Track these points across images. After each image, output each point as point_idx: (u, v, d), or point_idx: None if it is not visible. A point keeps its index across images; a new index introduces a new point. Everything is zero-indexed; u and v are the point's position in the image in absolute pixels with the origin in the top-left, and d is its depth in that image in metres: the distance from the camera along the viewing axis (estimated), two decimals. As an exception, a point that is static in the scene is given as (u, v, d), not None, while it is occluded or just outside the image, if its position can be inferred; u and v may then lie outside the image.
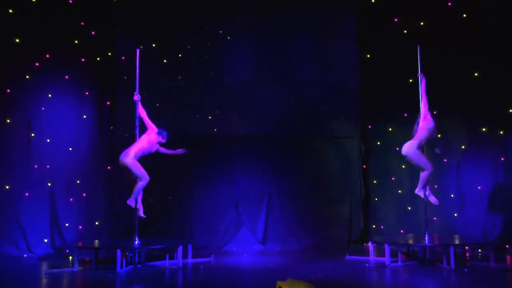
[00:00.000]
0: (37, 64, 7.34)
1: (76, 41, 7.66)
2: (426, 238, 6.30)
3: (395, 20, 8.13)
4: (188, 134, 8.08)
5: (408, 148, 6.32)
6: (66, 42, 7.55)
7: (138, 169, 6.36)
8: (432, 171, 6.37)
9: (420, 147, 6.34)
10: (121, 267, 5.94)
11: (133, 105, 6.55)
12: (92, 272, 6.06)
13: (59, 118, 7.46)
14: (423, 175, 6.39)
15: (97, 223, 7.67)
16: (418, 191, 6.50)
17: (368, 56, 8.41)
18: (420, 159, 6.30)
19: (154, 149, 6.55)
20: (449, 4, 7.66)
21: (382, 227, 8.20)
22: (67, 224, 7.34)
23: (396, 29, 8.08)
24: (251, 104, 8.23)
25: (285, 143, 8.21)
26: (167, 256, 6.39)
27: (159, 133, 6.55)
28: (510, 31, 7.12)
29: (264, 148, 8.16)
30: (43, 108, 7.36)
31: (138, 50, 6.67)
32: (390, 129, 8.22)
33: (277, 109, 8.23)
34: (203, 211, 7.95)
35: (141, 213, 6.50)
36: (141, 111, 6.54)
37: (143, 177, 6.40)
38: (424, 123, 6.40)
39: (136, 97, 6.51)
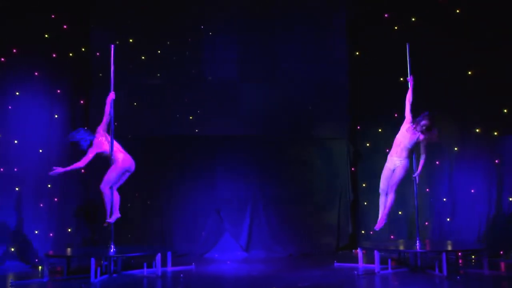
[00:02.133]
0: (2, 59, 7.22)
1: (46, 35, 7.56)
2: (417, 244, 6.35)
3: (386, 16, 8.20)
4: (168, 135, 8.06)
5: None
6: (35, 36, 7.43)
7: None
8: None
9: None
10: (96, 276, 5.86)
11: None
12: (64, 282, 5.98)
13: (28, 117, 7.34)
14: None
15: (69, 230, 7.57)
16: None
17: (358, 53, 8.47)
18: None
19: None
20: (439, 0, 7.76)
21: (371, 232, 8.25)
22: (36, 232, 7.23)
23: (386, 26, 8.14)
24: (234, 103, 8.22)
25: (270, 144, 8.22)
26: (145, 264, 6.33)
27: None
28: (505, 29, 7.22)
29: (248, 149, 8.15)
30: (10, 107, 7.24)
31: (112, 45, 6.61)
32: (379, 130, 8.28)
33: (262, 108, 8.22)
34: (184, 217, 7.92)
35: (110, 219, 6.38)
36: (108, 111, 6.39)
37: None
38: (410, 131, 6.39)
39: (111, 96, 6.42)
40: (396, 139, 6.47)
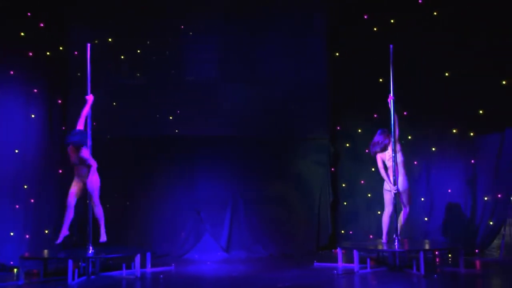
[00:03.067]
0: (-24, 58, 7.11)
1: (22, 34, 7.44)
2: (396, 243, 6.45)
3: (365, 17, 8.29)
4: (147, 135, 8.02)
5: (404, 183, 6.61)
6: (10, 34, 7.28)
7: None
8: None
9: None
10: (73, 278, 5.81)
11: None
12: (40, 285, 5.91)
13: (3, 117, 7.19)
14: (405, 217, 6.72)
15: (46, 231, 7.46)
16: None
17: (338, 54, 8.55)
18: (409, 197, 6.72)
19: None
20: (420, 1, 7.87)
21: (351, 232, 8.34)
22: (12, 234, 7.10)
23: (366, 27, 8.24)
24: (214, 103, 8.22)
25: (251, 145, 8.24)
26: (124, 265, 6.29)
27: None
28: (482, 31, 7.37)
29: (228, 150, 8.16)
30: (-16, 107, 7.12)
31: (89, 44, 6.55)
32: (359, 131, 8.37)
33: (242, 108, 8.24)
34: (163, 217, 7.89)
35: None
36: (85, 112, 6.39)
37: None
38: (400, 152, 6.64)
39: (89, 97, 6.36)
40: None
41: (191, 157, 8.10)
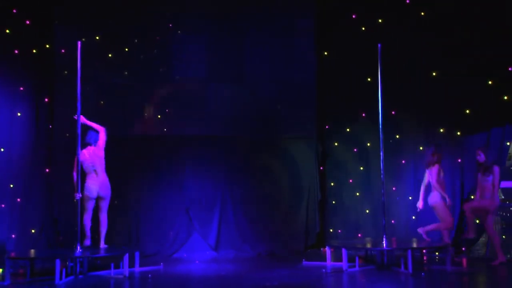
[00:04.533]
0: (-39, 55, 7.04)
1: (7, 31, 7.37)
2: (384, 242, 6.51)
3: (353, 17, 8.34)
4: (135, 134, 7.99)
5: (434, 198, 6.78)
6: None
7: None
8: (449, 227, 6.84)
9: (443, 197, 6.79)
10: (61, 278, 5.77)
11: (74, 102, 6.38)
12: (27, 285, 5.86)
13: (-11, 116, 7.16)
14: (439, 226, 6.82)
15: (33, 231, 7.40)
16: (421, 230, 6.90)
17: (326, 53, 8.59)
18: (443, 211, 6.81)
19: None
20: (407, 1, 7.95)
21: (339, 231, 8.39)
22: (-7, 233, 7.05)
23: (354, 27, 8.29)
24: (203, 103, 8.22)
25: (239, 144, 8.25)
26: (112, 265, 6.25)
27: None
28: (468, 31, 7.46)
29: (216, 149, 8.16)
30: (-31, 105, 7.05)
31: (79, 42, 6.51)
32: (348, 130, 8.42)
33: (230, 108, 8.25)
34: (152, 217, 7.86)
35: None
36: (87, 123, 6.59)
37: None
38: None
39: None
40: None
41: (180, 157, 8.09)
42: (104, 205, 6.71)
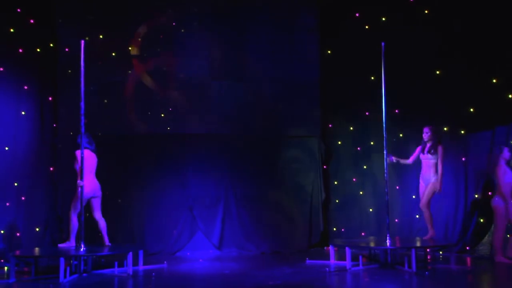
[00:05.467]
0: (-35, 55, 7.07)
1: (11, 30, 7.40)
2: (388, 240, 6.50)
3: (357, 15, 8.33)
4: (139, 132, 8.01)
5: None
6: (-1, 30, 7.28)
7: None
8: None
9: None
10: (65, 276, 5.79)
11: (78, 101, 6.42)
12: (31, 283, 5.88)
13: (-7, 114, 7.19)
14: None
15: (37, 229, 7.43)
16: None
17: (329, 52, 8.58)
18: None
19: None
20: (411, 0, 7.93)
21: (343, 230, 8.39)
22: (2, 231, 7.08)
23: (357, 25, 8.28)
24: (206, 101, 8.23)
25: (242, 143, 8.26)
26: (116, 263, 6.28)
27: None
28: (473, 29, 7.43)
29: (220, 148, 8.17)
30: (-26, 104, 7.08)
31: (83, 41, 6.52)
32: (351, 128, 8.42)
33: (233, 106, 8.25)
34: (155, 215, 7.88)
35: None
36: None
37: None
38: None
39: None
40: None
41: (183, 155, 8.10)
42: (97, 204, 6.75)
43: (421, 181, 7.00)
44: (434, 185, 6.86)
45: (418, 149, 6.96)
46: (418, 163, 7.18)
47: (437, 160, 6.84)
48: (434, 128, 6.86)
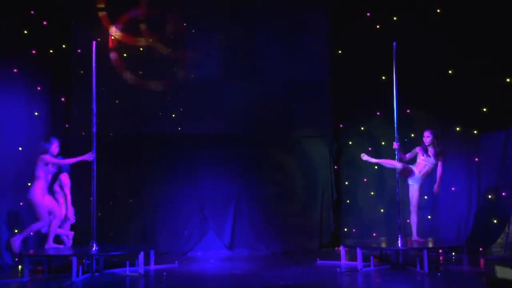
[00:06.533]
0: (-20, 57, 7.14)
1: (25, 31, 7.48)
2: (399, 241, 6.46)
3: (368, 15, 8.30)
4: (150, 133, 8.04)
5: None
6: (13, 32, 7.33)
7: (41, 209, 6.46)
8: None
9: None
10: (77, 275, 5.84)
11: (90, 101, 6.47)
12: (45, 282, 5.94)
13: (7, 115, 7.24)
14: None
15: (50, 228, 7.50)
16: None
17: (340, 52, 8.56)
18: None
19: (52, 170, 6.63)
20: (422, -1, 7.89)
21: (354, 230, 8.36)
22: (16, 231, 7.16)
23: (368, 25, 8.25)
24: (217, 101, 8.24)
25: (254, 143, 8.26)
26: (128, 263, 6.31)
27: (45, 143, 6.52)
28: (485, 29, 7.37)
29: (231, 148, 8.18)
30: (-12, 105, 7.16)
31: (94, 42, 6.58)
32: (362, 128, 8.39)
33: (245, 106, 8.26)
34: (167, 215, 7.91)
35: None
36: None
37: (42, 218, 6.47)
38: None
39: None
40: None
41: (194, 155, 8.12)
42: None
43: (410, 182, 6.73)
44: (422, 188, 6.72)
45: (419, 149, 6.76)
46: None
47: (438, 165, 6.66)
48: (435, 132, 6.65)
